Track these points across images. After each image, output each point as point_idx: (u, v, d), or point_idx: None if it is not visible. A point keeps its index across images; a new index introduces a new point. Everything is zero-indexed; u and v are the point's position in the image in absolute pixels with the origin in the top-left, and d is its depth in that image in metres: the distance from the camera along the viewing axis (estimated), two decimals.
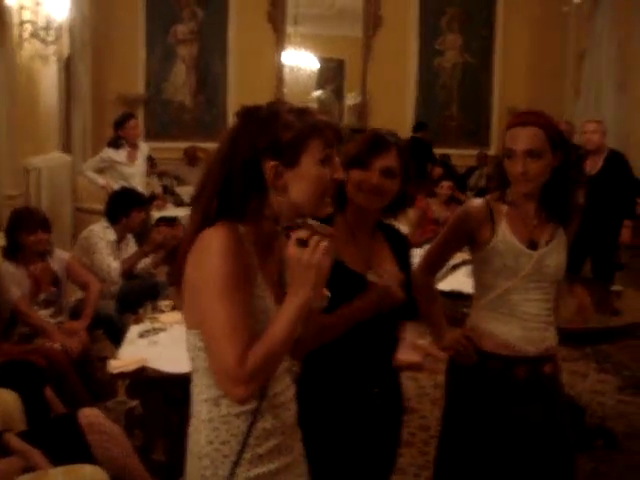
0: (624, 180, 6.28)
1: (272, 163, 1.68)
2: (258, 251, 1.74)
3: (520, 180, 2.44)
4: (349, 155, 2.28)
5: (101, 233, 5.23)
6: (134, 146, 7.14)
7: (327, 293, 1.77)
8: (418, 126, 10.55)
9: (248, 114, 1.73)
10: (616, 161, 6.35)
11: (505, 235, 2.50)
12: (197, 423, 1.77)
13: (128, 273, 5.33)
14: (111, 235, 5.28)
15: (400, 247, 2.44)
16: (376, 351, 2.29)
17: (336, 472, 2.28)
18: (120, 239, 5.38)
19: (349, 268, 2.25)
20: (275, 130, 1.69)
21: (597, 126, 6.37)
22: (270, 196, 1.71)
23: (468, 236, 2.58)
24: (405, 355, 2.27)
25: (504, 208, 2.55)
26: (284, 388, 1.81)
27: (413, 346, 2.27)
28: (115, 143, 7.09)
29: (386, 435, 2.42)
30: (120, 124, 7.09)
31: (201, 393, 1.75)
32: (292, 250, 1.62)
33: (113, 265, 5.17)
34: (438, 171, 8.84)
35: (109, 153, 7.08)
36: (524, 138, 2.41)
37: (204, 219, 1.69)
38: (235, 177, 1.68)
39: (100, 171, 7.18)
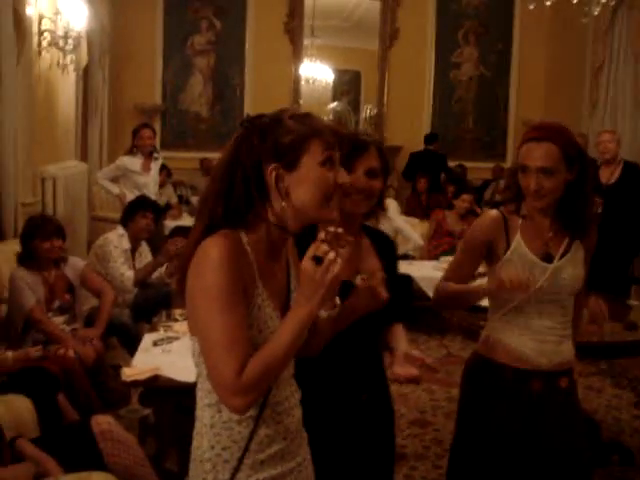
0: None
1: (273, 166, 1.67)
2: (262, 259, 1.72)
3: (533, 196, 2.42)
4: None
5: (116, 241, 5.26)
6: (148, 156, 7.18)
7: (337, 302, 1.76)
8: (430, 138, 10.49)
9: (251, 122, 1.73)
10: (633, 172, 6.35)
11: (520, 247, 2.48)
12: (200, 427, 1.77)
13: (142, 282, 5.34)
14: (126, 244, 5.31)
15: (386, 249, 2.43)
16: (363, 356, 2.29)
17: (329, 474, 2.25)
18: (134, 248, 5.39)
19: None
20: (276, 135, 1.68)
21: (612, 136, 6.40)
22: (274, 202, 1.70)
23: (485, 247, 2.56)
24: (402, 369, 2.23)
25: (519, 220, 2.53)
26: (288, 395, 1.81)
27: (407, 357, 2.23)
28: (130, 151, 7.16)
29: (378, 440, 2.41)
30: (135, 133, 7.16)
31: (204, 398, 1.75)
32: (306, 265, 1.60)
33: (127, 274, 5.18)
34: (451, 189, 8.80)
35: (124, 161, 7.13)
36: (538, 155, 2.38)
37: (207, 227, 1.69)
38: (237, 183, 1.68)
39: (114, 180, 7.24)
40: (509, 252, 2.49)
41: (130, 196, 6.51)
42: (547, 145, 2.38)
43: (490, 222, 2.56)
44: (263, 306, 1.69)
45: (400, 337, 2.37)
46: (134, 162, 7.09)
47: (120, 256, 5.22)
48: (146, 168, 7.16)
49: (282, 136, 1.68)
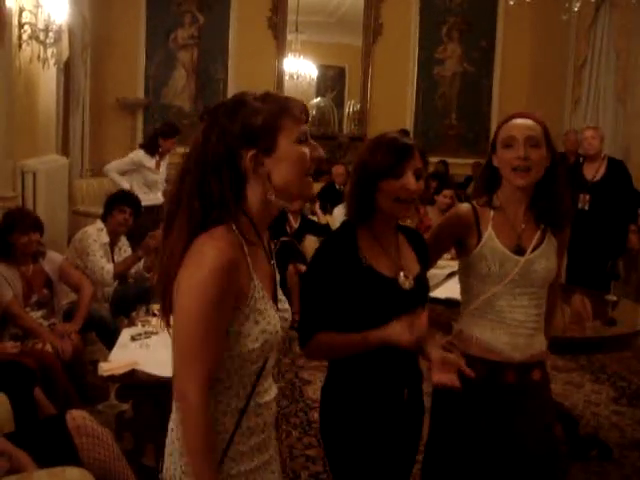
0: (627, 187, 6.31)
1: (251, 153, 1.65)
2: (253, 250, 1.71)
3: (519, 168, 2.42)
4: (380, 168, 2.24)
5: (95, 235, 5.22)
6: (163, 156, 7.23)
7: None
8: (403, 133, 10.41)
9: (214, 111, 1.71)
10: (618, 168, 6.38)
11: (491, 240, 2.49)
12: (179, 419, 1.74)
13: (121, 276, 5.31)
14: (104, 238, 5.27)
15: (420, 246, 2.45)
16: (405, 352, 2.29)
17: (361, 470, 2.30)
18: (113, 242, 5.35)
19: (380, 273, 2.26)
20: (244, 117, 1.66)
21: (595, 132, 6.44)
22: (252, 188, 1.69)
23: (454, 241, 2.58)
24: (445, 376, 2.23)
25: (491, 213, 2.53)
26: (268, 388, 1.81)
27: (445, 362, 2.23)
28: (151, 149, 7.17)
29: (411, 435, 2.43)
30: (166, 135, 7.16)
31: None
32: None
33: (107, 267, 5.15)
34: (433, 184, 8.79)
35: (140, 157, 7.17)
36: (525, 127, 2.44)
37: (193, 225, 1.65)
38: (212, 175, 1.65)
39: (124, 173, 7.21)
40: (480, 245, 2.50)
41: (138, 192, 6.49)
42: (531, 120, 2.46)
43: (461, 216, 2.57)
44: (258, 297, 1.68)
45: (430, 337, 2.38)
46: (150, 159, 7.13)
47: (99, 250, 5.19)
48: (158, 166, 7.25)
49: (251, 117, 1.66)
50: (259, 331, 1.66)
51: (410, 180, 2.23)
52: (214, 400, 1.69)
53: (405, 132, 10.38)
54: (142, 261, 5.36)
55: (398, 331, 2.13)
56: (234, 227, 1.66)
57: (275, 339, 1.71)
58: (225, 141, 1.65)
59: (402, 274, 2.29)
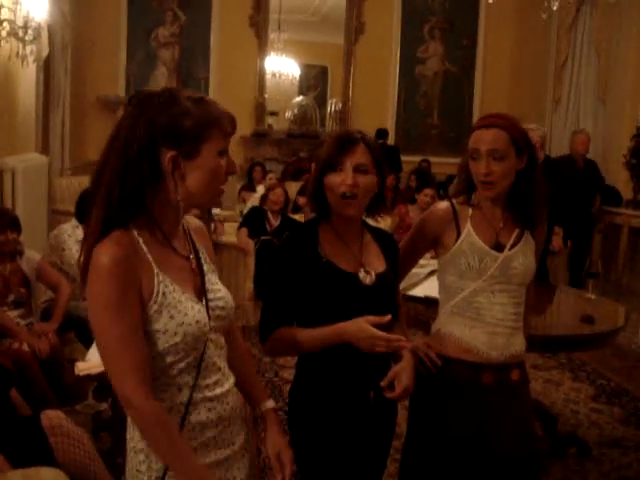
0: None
1: (171, 154, 1.64)
2: (158, 247, 1.70)
3: (484, 182, 2.42)
4: (321, 161, 2.26)
5: (70, 231, 5.17)
6: None
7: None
8: (382, 133, 10.48)
9: (144, 100, 1.68)
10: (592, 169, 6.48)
11: (470, 237, 2.49)
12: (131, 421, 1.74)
13: None
14: (80, 234, 5.21)
15: (388, 246, 2.42)
16: (370, 354, 2.28)
17: (329, 473, 2.28)
18: None
19: (341, 269, 2.24)
20: (174, 115, 1.64)
21: (588, 137, 6.54)
22: (167, 184, 1.67)
23: (433, 238, 2.57)
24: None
25: (469, 211, 2.53)
26: (219, 380, 1.79)
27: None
28: None
29: (380, 436, 2.40)
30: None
31: None
32: None
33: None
34: (414, 183, 8.80)
35: None
36: (487, 139, 2.41)
37: (109, 216, 1.64)
38: (132, 167, 1.63)
39: None
40: (459, 241, 2.49)
41: None
42: (495, 130, 2.41)
43: (440, 213, 2.56)
44: (168, 292, 1.67)
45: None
46: None
47: (74, 245, 5.13)
48: None
49: (181, 117, 1.64)
50: (176, 324, 1.65)
51: (347, 174, 2.20)
52: (159, 398, 1.68)
53: (382, 132, 10.42)
54: None
55: (355, 329, 2.13)
56: (133, 228, 1.66)
57: (198, 330, 1.69)
58: (151, 135, 1.64)
59: (363, 270, 2.27)
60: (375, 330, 2.12)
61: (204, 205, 1.81)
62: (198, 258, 1.82)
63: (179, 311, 1.66)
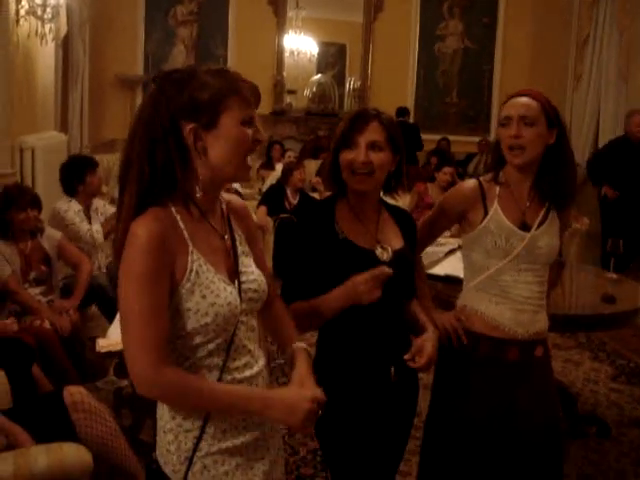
0: None
1: (190, 126, 1.64)
2: (194, 224, 1.70)
3: (513, 147, 2.42)
4: (336, 138, 2.28)
5: (65, 206, 5.14)
6: None
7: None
8: (402, 111, 10.40)
9: (164, 77, 1.68)
10: None
11: (497, 215, 2.49)
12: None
13: (110, 234, 5.21)
14: (75, 206, 5.18)
15: (406, 224, 2.43)
16: (390, 329, 2.28)
17: (350, 450, 2.29)
18: (87, 208, 5.27)
19: (358, 245, 2.25)
20: (192, 90, 1.64)
21: None
22: (194, 158, 1.67)
23: (459, 215, 2.57)
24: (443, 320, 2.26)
25: (497, 189, 2.53)
26: (248, 362, 1.76)
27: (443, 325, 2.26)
28: None
29: (402, 414, 2.41)
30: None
31: None
32: (307, 402, 1.66)
33: (94, 227, 5.11)
34: (434, 160, 8.78)
35: None
36: (519, 105, 2.44)
37: (143, 190, 1.64)
38: (159, 144, 1.64)
39: None
40: (486, 220, 2.49)
41: None
42: (527, 97, 2.45)
43: (467, 191, 2.57)
44: (201, 271, 1.66)
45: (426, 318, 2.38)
46: None
47: (75, 216, 5.12)
48: None
49: (198, 91, 1.64)
50: (208, 305, 1.64)
51: (360, 151, 2.21)
52: None
53: (402, 110, 10.35)
54: None
55: (352, 284, 2.12)
56: (170, 204, 1.66)
57: (229, 312, 1.67)
58: (170, 111, 1.64)
59: (379, 246, 2.28)
60: (361, 275, 2.12)
61: (231, 179, 1.77)
62: (233, 239, 1.81)
63: (211, 291, 1.65)
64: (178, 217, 1.66)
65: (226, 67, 1.74)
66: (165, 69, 1.74)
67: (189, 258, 1.65)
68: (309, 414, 1.66)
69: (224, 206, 1.85)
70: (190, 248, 1.66)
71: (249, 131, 1.68)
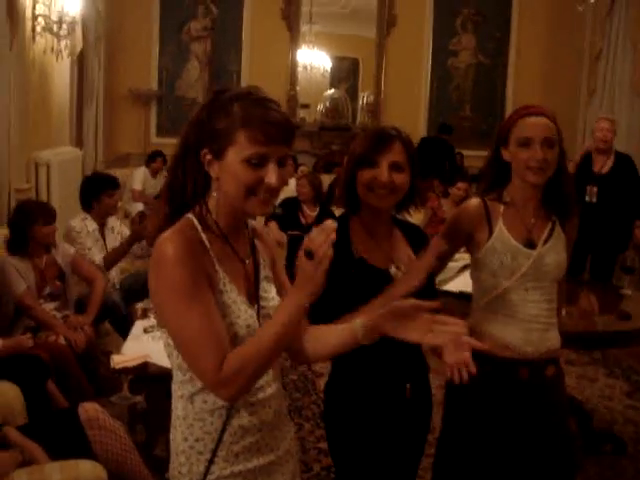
0: (633, 182, 6.25)
1: (204, 151, 1.64)
2: (219, 244, 1.69)
3: (535, 169, 2.40)
4: (355, 155, 2.28)
5: (78, 227, 5.10)
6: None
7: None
8: (446, 128, 10.37)
9: (215, 95, 1.68)
10: (626, 163, 6.32)
11: (502, 234, 2.48)
12: (174, 419, 1.74)
13: (112, 266, 5.22)
14: (90, 225, 5.16)
15: (418, 241, 2.43)
16: (406, 346, 2.28)
17: (364, 467, 2.29)
18: (101, 226, 5.26)
19: (372, 265, 2.26)
20: (216, 115, 1.63)
21: (612, 124, 6.34)
22: (213, 184, 1.68)
23: (465, 236, 2.56)
24: (455, 357, 2.21)
25: (501, 208, 2.52)
26: (262, 385, 1.73)
27: (456, 343, 2.22)
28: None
29: (416, 430, 2.41)
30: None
31: (177, 389, 1.72)
32: (300, 260, 1.55)
33: (96, 259, 5.07)
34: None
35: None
36: (542, 127, 2.41)
37: (171, 210, 1.67)
38: (180, 160, 1.67)
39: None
40: (492, 239, 2.48)
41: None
42: (546, 118, 2.43)
43: (471, 211, 2.55)
44: (225, 291, 1.65)
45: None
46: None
47: (86, 239, 5.08)
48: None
49: (219, 119, 1.62)
50: (227, 324, 1.63)
51: (382, 171, 2.21)
52: (200, 400, 1.67)
53: (445, 127, 10.25)
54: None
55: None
56: (195, 221, 1.66)
57: (248, 334, 1.65)
58: (198, 130, 1.66)
59: (393, 266, 2.28)
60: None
61: (241, 213, 1.71)
62: (257, 263, 1.80)
63: (233, 311, 1.65)
64: (204, 236, 1.65)
65: (267, 98, 1.67)
66: (221, 88, 1.70)
67: (216, 276, 1.64)
68: (312, 266, 1.55)
69: (250, 232, 1.83)
70: (216, 266, 1.65)
71: (253, 172, 1.60)
